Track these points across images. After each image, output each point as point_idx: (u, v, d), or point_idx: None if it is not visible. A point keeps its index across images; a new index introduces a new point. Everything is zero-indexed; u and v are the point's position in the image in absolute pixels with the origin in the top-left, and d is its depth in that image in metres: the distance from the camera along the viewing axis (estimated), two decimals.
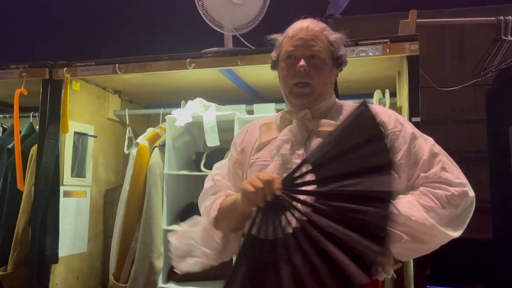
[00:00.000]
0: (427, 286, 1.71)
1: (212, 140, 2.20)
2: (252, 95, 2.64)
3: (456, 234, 1.13)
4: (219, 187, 1.32)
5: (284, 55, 1.26)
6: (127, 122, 2.59)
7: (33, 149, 2.32)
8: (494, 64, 2.24)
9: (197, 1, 2.09)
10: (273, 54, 1.32)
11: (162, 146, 2.32)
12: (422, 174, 1.16)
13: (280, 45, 1.29)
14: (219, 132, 2.21)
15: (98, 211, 2.52)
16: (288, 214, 1.05)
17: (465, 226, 1.15)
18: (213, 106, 2.32)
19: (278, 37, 1.31)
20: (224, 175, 1.35)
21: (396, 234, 1.07)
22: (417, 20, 2.05)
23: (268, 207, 1.07)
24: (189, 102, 2.35)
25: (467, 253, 3.30)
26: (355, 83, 2.39)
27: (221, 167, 1.39)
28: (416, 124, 1.72)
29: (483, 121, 2.83)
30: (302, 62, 1.21)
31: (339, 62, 1.28)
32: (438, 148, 1.20)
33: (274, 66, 1.32)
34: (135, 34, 4.26)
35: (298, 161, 1.16)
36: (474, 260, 3.32)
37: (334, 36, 1.27)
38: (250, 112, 2.40)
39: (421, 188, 1.15)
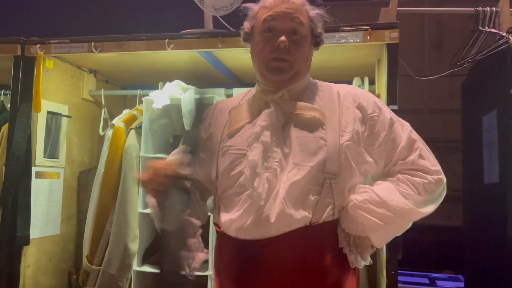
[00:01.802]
0: (398, 271, 1.75)
1: (190, 123, 2.18)
2: (231, 79, 2.61)
3: (429, 210, 1.15)
4: None
5: (262, 27, 1.16)
6: (103, 103, 2.53)
7: (4, 128, 2.25)
8: (471, 55, 2.27)
9: None
10: (246, 25, 1.22)
11: (138, 128, 2.29)
12: (400, 161, 1.16)
13: (255, 16, 1.19)
14: None
15: (72, 193, 2.47)
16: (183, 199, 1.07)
17: (437, 205, 1.17)
18: (191, 89, 2.29)
19: (253, 6, 1.21)
20: None
21: (376, 222, 1.09)
22: (398, 8, 2.05)
23: (165, 197, 1.07)
24: (167, 84, 2.31)
25: (438, 239, 3.41)
26: (335, 69, 2.39)
27: (177, 153, 1.32)
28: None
29: (458, 111, 2.88)
30: (283, 38, 1.12)
31: (317, 40, 1.22)
32: (415, 134, 1.20)
33: (247, 38, 1.23)
34: (112, 12, 4.14)
35: (278, 149, 1.13)
36: (444, 246, 3.42)
37: (314, 11, 1.20)
38: (229, 96, 2.36)
39: (399, 176, 1.15)
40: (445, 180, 1.17)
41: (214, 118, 1.28)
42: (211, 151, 1.22)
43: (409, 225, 1.16)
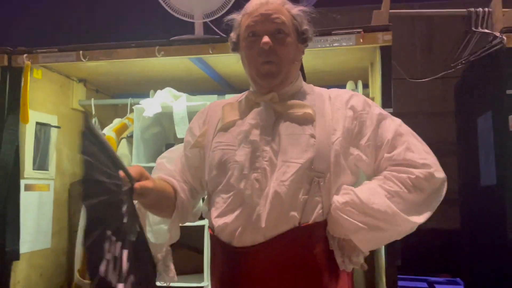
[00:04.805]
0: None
1: (182, 131, 2.15)
2: (223, 86, 2.59)
3: (422, 219, 1.07)
4: (159, 170, 1.27)
5: (245, 33, 1.16)
6: (93, 112, 2.49)
7: None
8: (464, 56, 2.26)
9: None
10: (232, 35, 1.22)
11: (129, 138, 2.26)
12: (386, 155, 1.11)
13: (239, 25, 1.20)
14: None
15: (63, 205, 2.42)
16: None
17: (433, 210, 1.09)
18: (183, 96, 2.27)
19: (236, 16, 1.21)
20: (172, 159, 1.28)
21: (356, 224, 1.05)
22: (390, 11, 2.04)
23: None
24: (158, 92, 2.29)
25: (435, 242, 3.39)
26: (328, 73, 2.37)
27: (172, 151, 1.33)
28: None
29: (452, 113, 2.88)
30: (265, 39, 1.11)
31: (304, 37, 1.19)
32: (404, 128, 1.15)
33: (235, 48, 1.22)
34: (101, 19, 4.11)
35: (267, 148, 1.11)
36: (442, 249, 3.40)
37: (296, 9, 1.18)
38: None
39: (385, 173, 1.10)
40: (439, 175, 1.09)
41: (208, 116, 1.27)
42: (204, 148, 1.22)
43: (401, 233, 1.08)
